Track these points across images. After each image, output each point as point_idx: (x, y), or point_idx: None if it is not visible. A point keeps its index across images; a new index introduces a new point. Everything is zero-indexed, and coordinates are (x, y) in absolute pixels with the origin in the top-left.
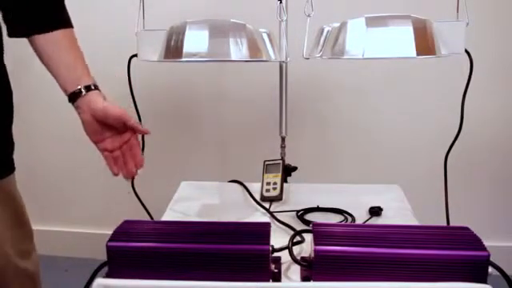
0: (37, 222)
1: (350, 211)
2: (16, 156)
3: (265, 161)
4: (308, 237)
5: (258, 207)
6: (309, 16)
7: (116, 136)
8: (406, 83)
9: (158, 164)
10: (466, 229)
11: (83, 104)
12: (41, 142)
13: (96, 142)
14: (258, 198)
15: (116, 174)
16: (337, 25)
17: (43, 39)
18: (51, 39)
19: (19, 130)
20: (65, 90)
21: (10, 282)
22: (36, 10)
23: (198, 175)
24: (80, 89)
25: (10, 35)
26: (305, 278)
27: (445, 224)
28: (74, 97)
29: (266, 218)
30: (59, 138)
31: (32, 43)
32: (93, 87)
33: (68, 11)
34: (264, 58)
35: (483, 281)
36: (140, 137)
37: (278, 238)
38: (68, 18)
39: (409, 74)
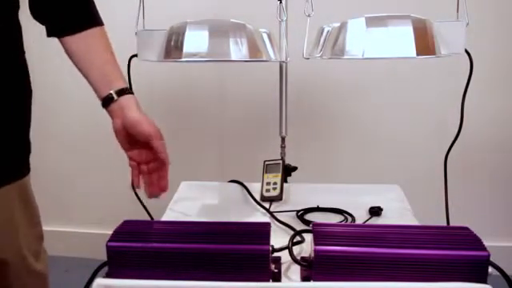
0: None
1: (350, 211)
2: None
3: (265, 161)
4: (308, 237)
5: (258, 207)
6: (309, 16)
7: (145, 150)
8: (406, 83)
9: None
10: (466, 229)
11: (116, 109)
12: (41, 142)
13: (125, 150)
14: (258, 197)
15: (137, 187)
16: (337, 25)
17: (76, 39)
18: (83, 39)
19: None
20: (97, 94)
21: (25, 283)
22: (67, 8)
23: (198, 175)
24: (111, 93)
25: (48, 35)
26: (305, 278)
27: (445, 224)
28: (106, 102)
29: (266, 218)
30: (59, 138)
31: (63, 43)
32: (125, 91)
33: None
34: (264, 58)
35: (483, 281)
36: None
37: (278, 238)
38: (98, 15)
39: (409, 73)
